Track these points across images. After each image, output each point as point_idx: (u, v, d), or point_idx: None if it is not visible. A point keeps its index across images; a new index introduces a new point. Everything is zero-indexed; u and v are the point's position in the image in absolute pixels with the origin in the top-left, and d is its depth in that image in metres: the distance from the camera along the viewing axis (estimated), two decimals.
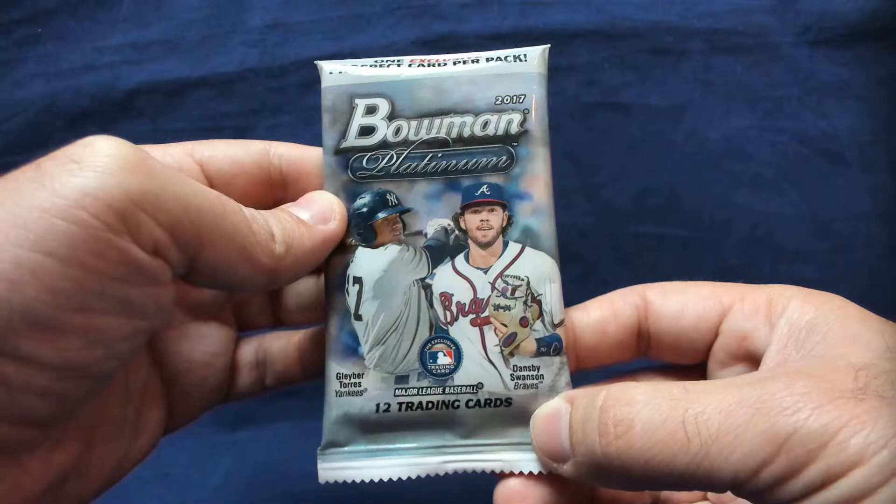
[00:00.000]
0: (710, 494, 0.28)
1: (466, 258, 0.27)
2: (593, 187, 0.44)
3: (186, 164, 0.26)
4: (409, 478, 0.26)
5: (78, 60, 0.44)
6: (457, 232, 0.27)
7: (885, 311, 0.24)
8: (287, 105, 0.44)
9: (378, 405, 0.26)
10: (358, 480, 0.26)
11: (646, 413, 0.21)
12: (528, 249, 0.27)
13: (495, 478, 0.26)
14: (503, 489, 0.26)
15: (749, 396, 0.20)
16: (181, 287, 0.23)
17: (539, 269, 0.27)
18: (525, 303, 0.27)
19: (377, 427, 0.26)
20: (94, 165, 0.19)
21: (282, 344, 0.31)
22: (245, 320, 0.31)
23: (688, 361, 0.29)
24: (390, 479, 0.26)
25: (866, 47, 0.43)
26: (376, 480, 0.26)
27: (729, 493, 0.26)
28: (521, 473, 0.26)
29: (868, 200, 0.43)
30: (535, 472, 0.26)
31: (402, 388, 0.26)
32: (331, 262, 0.27)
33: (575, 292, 0.29)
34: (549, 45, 0.28)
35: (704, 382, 0.23)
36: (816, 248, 0.43)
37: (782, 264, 0.44)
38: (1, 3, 0.44)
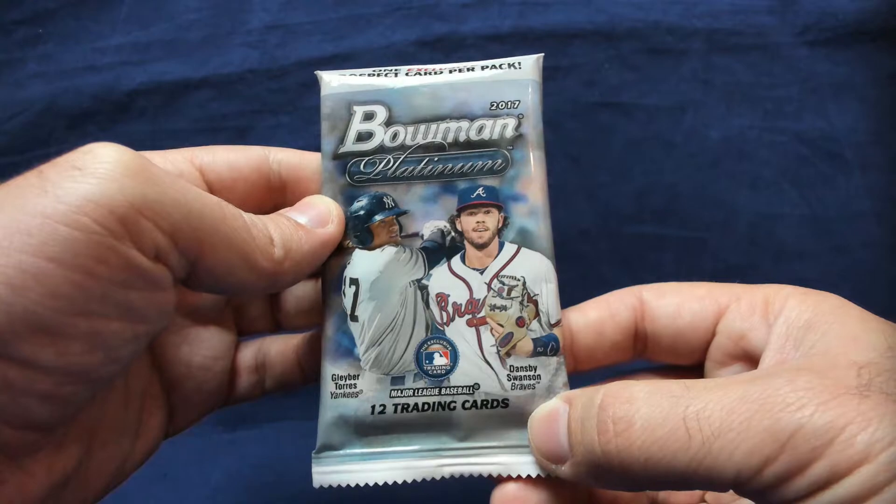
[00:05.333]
0: (708, 495, 0.28)
1: (462, 259, 0.27)
2: (593, 187, 0.44)
3: (187, 170, 0.26)
4: (404, 481, 0.26)
5: (79, 61, 0.44)
6: (453, 233, 0.27)
7: (885, 311, 0.24)
8: (287, 105, 0.45)
9: (373, 407, 0.26)
10: (353, 484, 0.26)
11: (646, 410, 0.21)
12: (523, 250, 0.27)
13: (492, 481, 0.26)
14: (500, 494, 0.26)
15: (751, 393, 0.20)
16: (181, 291, 0.23)
17: (535, 269, 0.27)
18: (521, 303, 0.27)
19: (372, 429, 0.26)
20: (96, 172, 0.19)
21: (281, 347, 0.31)
22: (244, 324, 0.31)
23: (685, 362, 0.29)
24: (385, 483, 0.26)
25: (866, 47, 0.43)
26: (371, 484, 0.26)
27: (728, 494, 0.26)
28: (518, 477, 0.26)
29: (868, 200, 0.43)
30: (533, 475, 0.25)
31: (397, 390, 0.26)
32: (328, 264, 0.27)
33: (574, 292, 0.29)
34: (542, 54, 0.29)
35: (705, 380, 0.22)
36: (816, 248, 0.43)
37: (782, 264, 0.44)
38: (1, 4, 0.44)
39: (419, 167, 0.28)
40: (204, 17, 0.44)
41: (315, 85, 0.29)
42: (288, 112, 0.45)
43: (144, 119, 0.44)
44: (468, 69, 0.28)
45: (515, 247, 0.27)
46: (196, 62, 0.44)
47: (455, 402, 0.26)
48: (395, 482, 0.26)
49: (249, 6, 0.45)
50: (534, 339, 0.27)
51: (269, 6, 0.44)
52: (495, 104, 0.28)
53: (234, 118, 0.45)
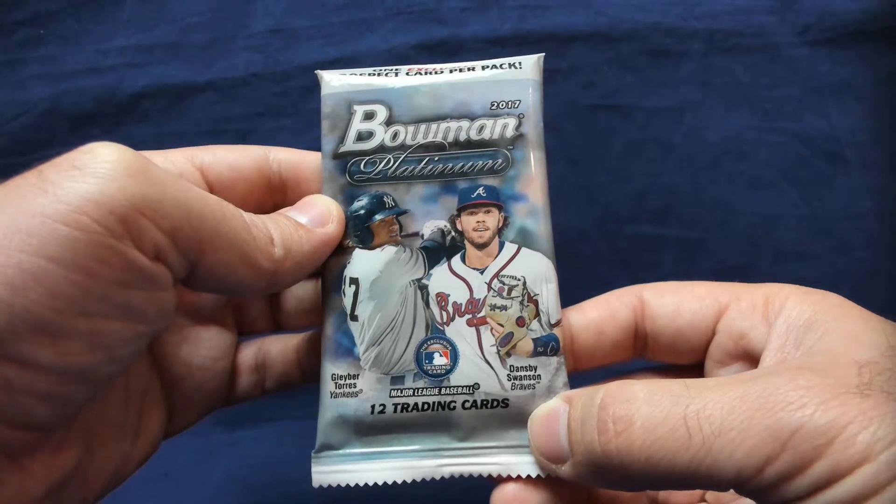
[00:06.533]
0: (709, 495, 0.28)
1: (463, 259, 0.27)
2: (593, 188, 0.44)
3: (187, 170, 0.27)
4: (404, 481, 0.26)
5: (81, 62, 0.44)
6: (453, 233, 0.27)
7: (885, 311, 0.24)
8: (290, 108, 0.45)
9: (373, 406, 0.26)
10: (352, 484, 0.26)
11: (646, 409, 0.21)
12: (524, 250, 0.27)
13: (492, 481, 0.26)
14: (500, 494, 0.26)
15: (752, 392, 0.20)
16: (181, 291, 0.23)
17: (535, 269, 0.27)
18: (521, 302, 0.27)
19: (372, 429, 0.26)
20: (95, 171, 0.20)
21: (281, 347, 0.31)
22: (245, 324, 0.31)
23: (685, 361, 0.29)
24: (385, 483, 0.26)
25: (866, 47, 0.43)
26: (370, 484, 0.26)
27: (729, 494, 0.26)
28: (518, 477, 0.26)
29: (868, 200, 0.43)
30: (533, 475, 0.25)
31: (397, 389, 0.26)
32: (328, 264, 0.27)
33: (574, 293, 0.29)
34: (543, 54, 0.29)
35: (706, 379, 0.22)
36: (816, 248, 0.43)
37: (782, 264, 0.44)
38: (3, 4, 0.44)
39: (419, 167, 0.28)
40: (207, 21, 0.45)
41: (317, 88, 0.29)
42: (290, 115, 0.45)
43: (148, 122, 0.45)
44: (469, 69, 0.28)
45: (516, 246, 0.27)
46: (200, 65, 0.44)
47: (455, 401, 0.26)
48: (394, 482, 0.26)
49: (253, 10, 0.45)
50: (534, 339, 0.27)
51: (271, 10, 0.45)
52: (496, 104, 0.28)
53: (238, 121, 0.45)
